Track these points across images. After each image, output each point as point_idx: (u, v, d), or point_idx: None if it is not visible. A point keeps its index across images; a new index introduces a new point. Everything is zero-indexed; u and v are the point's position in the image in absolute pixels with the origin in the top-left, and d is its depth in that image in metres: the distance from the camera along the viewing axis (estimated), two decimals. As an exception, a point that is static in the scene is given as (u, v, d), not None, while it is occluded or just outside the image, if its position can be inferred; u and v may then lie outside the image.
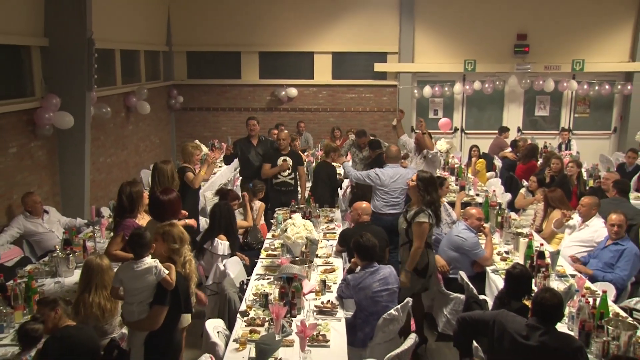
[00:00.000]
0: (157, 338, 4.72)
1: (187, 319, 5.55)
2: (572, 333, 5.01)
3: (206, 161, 8.51)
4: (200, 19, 15.18)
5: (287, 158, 9.41)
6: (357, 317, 5.74)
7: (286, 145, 9.57)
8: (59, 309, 4.57)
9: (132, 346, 4.78)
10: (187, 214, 7.03)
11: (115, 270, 5.18)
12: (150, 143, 14.07)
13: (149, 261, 4.76)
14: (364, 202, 7.82)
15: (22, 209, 8.04)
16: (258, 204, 8.87)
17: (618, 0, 15.07)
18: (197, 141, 12.96)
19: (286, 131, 10.23)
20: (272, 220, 8.84)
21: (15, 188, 8.49)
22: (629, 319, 5.41)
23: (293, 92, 15.60)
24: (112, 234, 7.97)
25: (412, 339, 4.94)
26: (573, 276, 6.57)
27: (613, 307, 5.66)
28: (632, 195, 9.81)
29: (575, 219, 8.03)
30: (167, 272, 4.71)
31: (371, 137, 10.98)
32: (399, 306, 5.62)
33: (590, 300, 5.36)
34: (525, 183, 10.59)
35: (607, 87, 15.44)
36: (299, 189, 9.74)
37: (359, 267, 5.92)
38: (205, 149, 12.66)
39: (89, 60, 9.25)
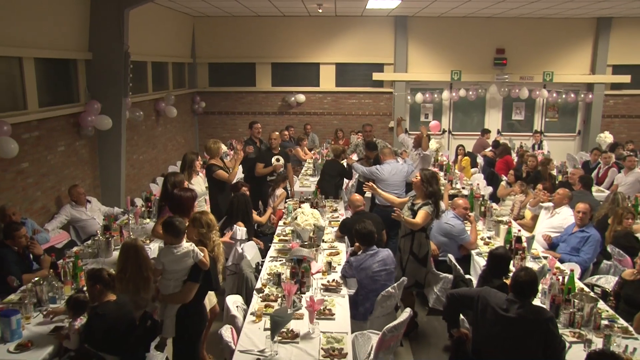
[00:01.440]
0: (187, 310, 4.74)
1: (212, 301, 5.59)
2: (544, 306, 5.05)
3: (238, 159, 8.44)
4: (220, 34, 15.16)
5: (280, 157, 9.40)
6: (359, 293, 5.75)
7: (277, 144, 9.55)
8: (98, 285, 4.55)
9: (165, 317, 4.78)
10: None
11: (146, 251, 5.28)
12: (176, 142, 14.07)
13: (186, 245, 4.75)
14: (356, 194, 7.94)
15: (69, 199, 8.15)
16: (279, 192, 8.92)
17: (580, 22, 15.06)
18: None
19: (277, 132, 10.04)
20: (283, 210, 8.80)
21: (63, 181, 8.55)
22: (591, 294, 5.49)
23: (301, 98, 15.57)
24: (145, 220, 8.14)
25: (406, 313, 4.95)
26: (546, 257, 6.63)
27: (578, 284, 5.72)
28: (594, 188, 9.85)
29: (547, 205, 8.18)
30: (202, 254, 4.73)
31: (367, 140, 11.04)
32: (395, 284, 5.64)
33: (560, 278, 5.45)
34: (504, 177, 10.67)
35: (572, 95, 15.46)
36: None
37: (361, 251, 5.95)
38: (224, 148, 12.72)
39: (125, 71, 9.29)
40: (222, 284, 5.75)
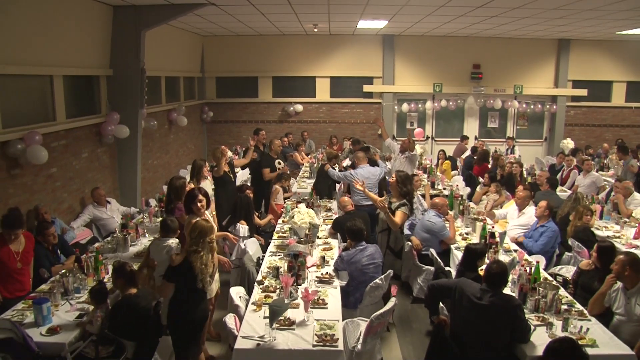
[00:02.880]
0: (174, 306, 4.60)
1: (212, 290, 5.27)
2: (513, 294, 5.07)
3: (250, 152, 8.84)
4: (227, 52, 15.13)
5: (280, 161, 9.39)
6: (350, 285, 5.73)
7: (279, 151, 9.56)
8: (119, 280, 4.65)
9: (164, 305, 4.81)
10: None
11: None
12: (187, 149, 14.05)
13: (170, 241, 4.87)
14: (345, 197, 7.91)
15: (91, 200, 8.18)
16: (275, 188, 8.93)
17: (544, 42, 15.16)
18: (223, 146, 13.07)
19: (278, 140, 10.12)
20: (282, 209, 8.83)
21: (87, 184, 8.57)
22: (554, 282, 5.55)
23: (299, 107, 15.55)
24: (159, 218, 8.12)
25: (392, 301, 4.94)
26: (516, 251, 6.66)
27: (543, 274, 5.74)
28: (559, 189, 9.89)
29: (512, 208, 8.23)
30: (176, 253, 4.78)
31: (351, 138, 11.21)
32: (382, 276, 5.65)
33: (527, 269, 5.49)
34: (481, 179, 10.72)
35: (539, 106, 15.60)
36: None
37: (351, 246, 5.95)
38: (230, 153, 12.70)
39: (141, 85, 9.32)
40: (217, 288, 5.53)
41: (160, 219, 8.06)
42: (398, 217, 6.71)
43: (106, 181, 9.28)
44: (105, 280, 5.53)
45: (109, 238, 7.19)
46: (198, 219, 4.90)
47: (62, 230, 7.11)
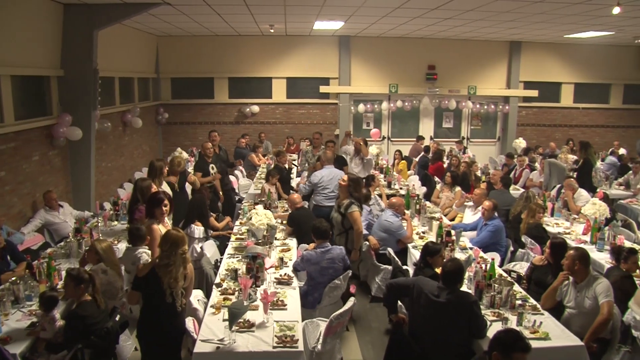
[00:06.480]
0: (142, 323, 4.49)
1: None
2: (470, 291, 5.18)
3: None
4: (182, 52, 14.92)
5: (214, 166, 9.20)
6: (309, 285, 5.76)
7: (211, 154, 9.32)
8: (83, 285, 4.46)
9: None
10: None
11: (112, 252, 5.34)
12: (142, 151, 13.78)
13: (141, 250, 4.81)
14: (295, 194, 7.99)
15: (43, 204, 7.95)
16: (268, 187, 9.08)
17: (497, 45, 15.54)
18: (179, 149, 12.93)
19: (210, 143, 9.63)
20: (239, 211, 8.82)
21: (38, 188, 8.32)
22: (508, 278, 5.69)
23: (255, 109, 15.45)
24: (114, 222, 7.99)
25: (351, 301, 4.98)
26: (471, 248, 6.80)
27: (498, 270, 5.87)
28: (512, 187, 10.14)
29: (470, 204, 8.53)
30: (145, 261, 4.80)
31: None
32: (341, 276, 5.70)
33: (483, 266, 5.60)
34: (436, 179, 10.92)
35: (492, 106, 15.99)
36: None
37: (315, 246, 5.98)
38: (185, 155, 12.59)
39: (94, 86, 9.11)
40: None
41: (116, 222, 8.00)
42: (356, 219, 6.82)
43: (58, 184, 9.02)
44: (58, 286, 5.40)
45: (62, 243, 7.00)
46: (170, 229, 4.65)
47: (8, 234, 6.88)
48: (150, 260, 5.04)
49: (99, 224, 7.72)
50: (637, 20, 10.43)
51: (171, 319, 4.43)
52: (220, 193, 9.34)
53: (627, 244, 6.72)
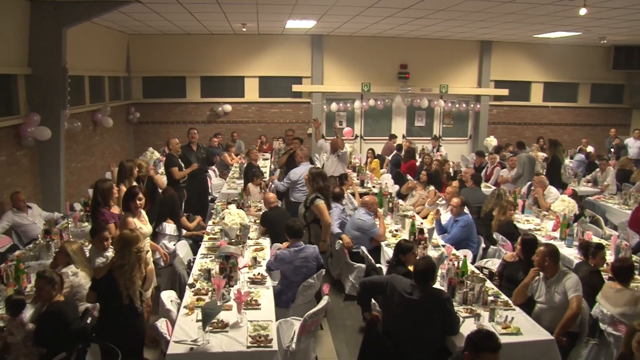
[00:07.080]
0: (101, 323, 4.51)
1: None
2: (442, 288, 5.21)
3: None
4: (153, 51, 14.75)
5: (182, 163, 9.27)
6: (282, 284, 5.76)
7: (177, 149, 9.31)
8: (57, 286, 4.43)
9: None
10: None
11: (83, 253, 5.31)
12: (113, 150, 13.57)
13: (107, 254, 4.76)
14: (270, 193, 7.99)
15: (11, 205, 7.73)
16: (253, 188, 9.13)
17: (468, 44, 15.74)
18: (151, 148, 12.79)
19: (176, 139, 9.60)
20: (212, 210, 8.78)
21: (5, 189, 8.11)
22: (480, 275, 5.77)
23: (228, 108, 15.35)
24: (84, 223, 7.86)
25: (325, 300, 4.99)
26: (444, 246, 6.86)
27: (471, 267, 5.96)
28: (483, 184, 10.27)
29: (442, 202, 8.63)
30: (102, 261, 4.82)
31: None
32: (315, 275, 5.71)
33: (455, 263, 5.67)
34: (409, 177, 11.00)
35: (464, 105, 16.18)
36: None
37: (288, 245, 5.98)
38: (157, 154, 12.46)
39: (63, 84, 8.94)
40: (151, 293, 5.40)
41: (86, 223, 7.87)
42: (322, 211, 6.94)
43: (27, 185, 8.83)
44: (27, 289, 5.29)
45: (30, 245, 6.86)
46: (127, 230, 4.69)
47: None
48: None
49: (70, 225, 7.58)
50: (603, 22, 10.70)
51: (130, 319, 4.49)
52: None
53: (595, 240, 6.87)
